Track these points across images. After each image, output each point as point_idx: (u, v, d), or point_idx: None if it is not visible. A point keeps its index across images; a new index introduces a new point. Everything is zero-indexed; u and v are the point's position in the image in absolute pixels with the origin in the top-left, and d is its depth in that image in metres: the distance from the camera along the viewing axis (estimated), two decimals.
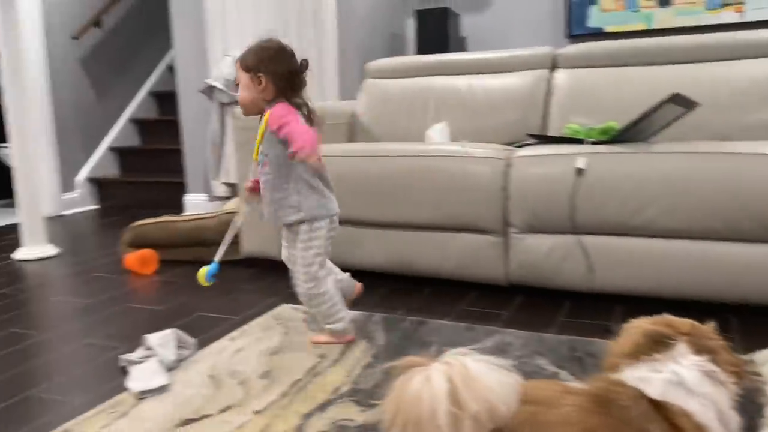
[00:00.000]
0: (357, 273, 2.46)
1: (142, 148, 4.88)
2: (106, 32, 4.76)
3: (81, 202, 4.60)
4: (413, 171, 2.30)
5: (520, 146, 2.38)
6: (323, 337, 1.82)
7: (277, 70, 1.65)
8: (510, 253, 2.22)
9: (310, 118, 1.71)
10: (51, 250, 3.14)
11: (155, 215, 3.62)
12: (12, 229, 3.80)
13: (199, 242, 2.82)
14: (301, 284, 1.76)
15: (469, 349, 0.84)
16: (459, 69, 2.98)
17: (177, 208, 4.24)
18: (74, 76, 4.51)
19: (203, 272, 1.77)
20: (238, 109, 2.62)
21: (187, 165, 4.18)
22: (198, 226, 2.81)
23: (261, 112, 1.72)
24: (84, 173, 4.64)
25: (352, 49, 3.59)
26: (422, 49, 3.87)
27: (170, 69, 5.20)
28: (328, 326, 1.79)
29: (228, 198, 3.85)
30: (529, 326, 1.93)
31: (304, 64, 1.71)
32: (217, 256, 1.82)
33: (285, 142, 1.64)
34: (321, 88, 3.69)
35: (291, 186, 1.72)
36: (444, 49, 3.77)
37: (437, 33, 3.89)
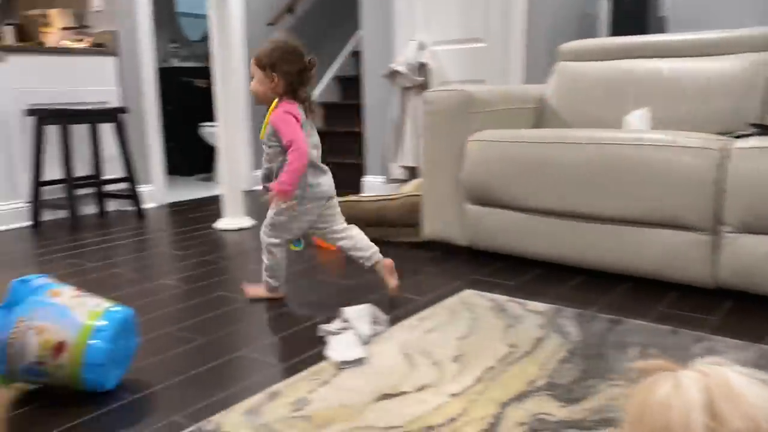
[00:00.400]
0: (544, 264, 2.40)
1: (325, 131, 5.10)
2: (297, 18, 5.03)
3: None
4: (610, 160, 2.16)
5: (737, 137, 2.14)
6: (257, 289, 2.12)
7: (288, 69, 1.88)
8: (720, 254, 2.01)
9: (310, 109, 1.96)
10: (247, 221, 3.39)
11: (338, 194, 3.77)
12: (213, 201, 4.16)
13: (382, 222, 2.89)
14: (262, 235, 2.07)
15: (724, 359, 0.76)
16: (662, 51, 2.76)
17: (355, 188, 4.39)
18: None
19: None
20: (427, 94, 2.63)
21: (367, 147, 4.30)
22: (381, 206, 2.88)
23: (270, 102, 1.95)
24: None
25: (541, 29, 3.45)
26: (616, 30, 3.64)
27: (354, 54, 5.38)
28: (265, 278, 2.09)
29: (405, 180, 3.91)
30: (741, 335, 1.74)
31: (312, 63, 1.92)
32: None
33: (279, 140, 1.90)
34: (505, 71, 3.61)
35: (276, 165, 1.96)
36: (641, 29, 3.51)
37: (634, 12, 3.63)
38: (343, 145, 4.94)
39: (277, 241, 2.05)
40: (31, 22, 4.18)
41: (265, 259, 2.08)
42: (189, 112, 5.25)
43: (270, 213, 2.04)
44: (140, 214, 3.69)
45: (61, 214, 3.57)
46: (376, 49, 4.10)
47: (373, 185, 4.26)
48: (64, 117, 3.34)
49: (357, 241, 2.11)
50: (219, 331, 1.87)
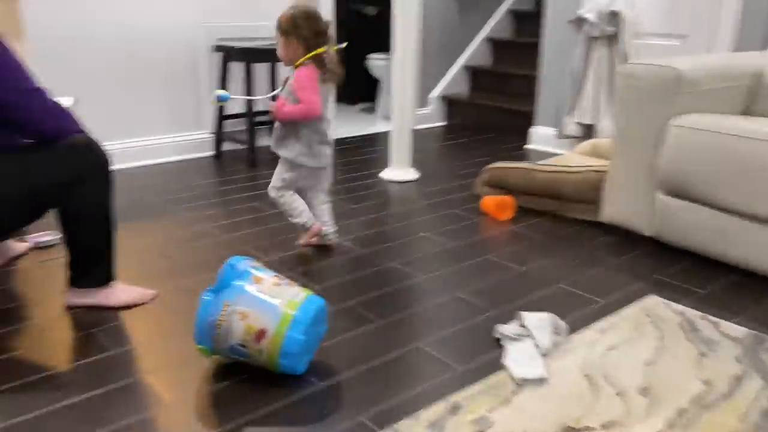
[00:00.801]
0: (738, 271, 2.16)
1: (493, 70, 4.90)
2: None
3: (431, 118, 4.86)
4: None
5: None
6: (304, 239, 2.37)
7: (305, 35, 2.09)
8: None
9: (327, 67, 2.14)
10: (413, 174, 3.38)
11: (504, 148, 3.65)
12: (377, 140, 4.18)
13: (557, 195, 2.76)
14: (270, 190, 2.33)
15: None
16: None
17: (522, 138, 4.22)
18: None
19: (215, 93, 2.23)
20: (629, 68, 2.40)
21: (539, 94, 4.09)
22: (558, 179, 2.74)
23: (294, 62, 2.16)
24: (437, 91, 4.86)
25: None
26: None
27: None
28: (296, 224, 2.33)
29: (579, 139, 3.69)
30: None
31: (326, 25, 2.13)
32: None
33: (297, 101, 2.14)
34: (712, 27, 3.21)
35: (288, 129, 2.21)
36: None
37: None
38: (512, 88, 4.73)
39: (279, 194, 2.31)
40: None
41: (281, 207, 2.34)
42: (355, 40, 5.21)
43: (276, 173, 2.31)
44: None
45: (240, 146, 3.76)
46: None
47: (542, 137, 4.07)
48: (248, 55, 3.45)
49: (324, 211, 2.38)
50: (395, 313, 1.91)
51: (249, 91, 3.48)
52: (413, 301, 2.00)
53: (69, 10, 3.16)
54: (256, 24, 3.77)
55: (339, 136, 4.34)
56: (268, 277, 1.59)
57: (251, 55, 3.45)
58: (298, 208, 2.31)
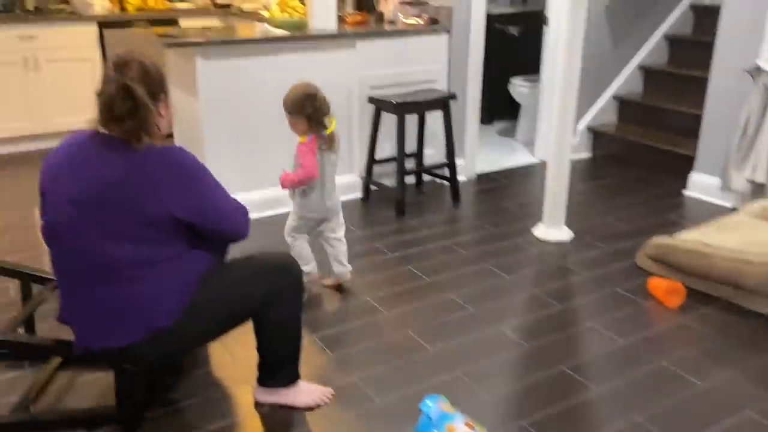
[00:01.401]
0: None
1: (644, 103, 4.63)
2: None
3: (575, 149, 4.68)
4: None
5: None
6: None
7: (307, 113, 2.41)
8: None
9: (330, 140, 2.48)
10: (567, 233, 3.28)
11: (653, 183, 3.44)
12: (522, 175, 4.06)
13: (734, 284, 2.58)
14: (285, 233, 2.65)
15: None
16: None
17: (677, 179, 3.99)
18: (596, 22, 4.41)
19: None
20: None
21: (702, 138, 3.82)
22: (738, 269, 2.55)
23: (301, 135, 2.48)
24: (584, 122, 4.67)
25: None
26: None
27: (693, 9, 4.69)
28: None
29: (749, 198, 3.43)
30: None
31: (322, 101, 2.46)
32: None
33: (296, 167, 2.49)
34: None
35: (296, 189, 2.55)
36: None
37: None
38: (665, 124, 4.46)
39: (291, 238, 2.62)
40: None
41: (292, 252, 2.59)
42: (496, 60, 5.09)
43: (288, 221, 2.63)
44: (455, 195, 3.78)
45: (387, 185, 3.80)
46: (738, 24, 3.50)
47: (704, 186, 3.82)
48: (399, 108, 3.46)
49: (338, 252, 2.67)
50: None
51: (401, 138, 3.50)
52: (589, 425, 1.95)
53: (231, 76, 3.30)
54: (409, 69, 3.78)
55: (480, 171, 4.29)
56: (459, 425, 1.60)
57: (402, 109, 3.46)
58: (304, 257, 2.62)
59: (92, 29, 4.71)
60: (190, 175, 1.67)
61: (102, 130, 1.66)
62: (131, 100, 1.61)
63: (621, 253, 3.10)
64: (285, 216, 2.69)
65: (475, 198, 3.87)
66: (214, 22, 5.21)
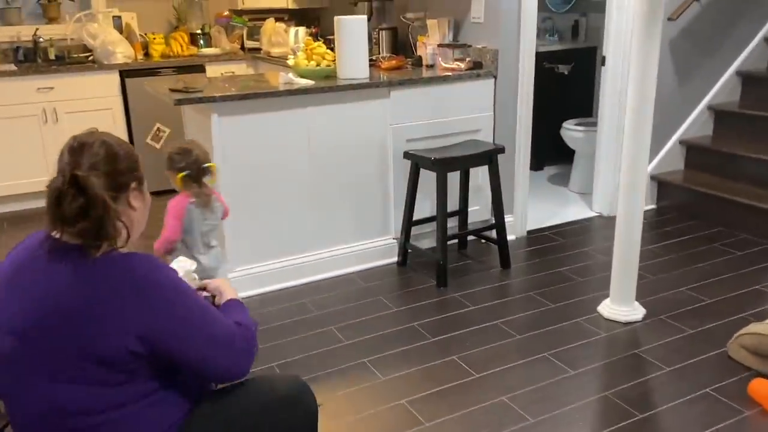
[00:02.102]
0: None
1: (713, 148, 4.11)
2: (702, 7, 3.99)
3: None
4: None
5: None
6: None
7: (178, 168, 2.27)
8: None
9: (205, 198, 2.31)
10: (638, 311, 2.79)
11: (733, 245, 2.92)
12: (575, 234, 3.58)
13: None
14: None
15: None
16: None
17: (761, 239, 3.45)
18: (660, 58, 3.93)
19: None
20: None
21: None
22: None
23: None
24: (648, 168, 4.16)
25: None
26: None
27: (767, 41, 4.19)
28: None
29: None
30: None
31: (196, 159, 2.28)
32: None
33: None
34: None
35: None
36: None
37: None
38: (740, 173, 3.92)
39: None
40: (405, 26, 3.95)
41: None
42: (544, 101, 4.64)
43: None
44: (505, 260, 3.32)
45: (427, 249, 3.37)
46: None
47: None
48: (441, 164, 3.05)
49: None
50: None
51: (441, 198, 3.08)
52: None
53: (249, 133, 2.95)
54: (450, 119, 3.37)
55: (531, 227, 3.83)
56: None
57: (442, 166, 3.05)
58: None
59: (114, 78, 4.47)
60: (163, 295, 1.25)
61: (55, 233, 1.28)
62: (83, 195, 1.23)
63: (706, 337, 2.59)
64: (310, 286, 2.29)
65: (527, 262, 3.40)
66: (241, 68, 4.92)
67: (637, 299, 2.81)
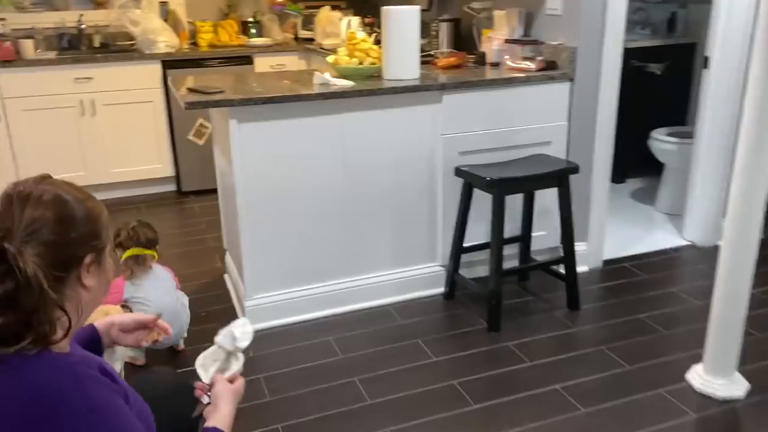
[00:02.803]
0: None
1: None
2: None
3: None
4: None
5: None
6: None
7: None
8: None
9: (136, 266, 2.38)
10: (740, 386, 2.20)
11: None
12: (660, 268, 2.96)
13: None
14: None
15: None
16: None
17: None
18: None
19: None
20: None
21: None
22: None
23: None
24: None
25: None
26: None
27: None
28: None
29: None
30: None
31: (130, 233, 2.42)
32: None
33: None
34: None
35: None
36: None
37: None
38: None
39: None
40: (469, 18, 3.44)
41: None
42: (631, 105, 4.00)
43: None
44: (573, 300, 2.78)
45: (478, 281, 2.88)
46: None
47: None
48: (498, 186, 2.54)
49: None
50: None
51: (497, 226, 2.57)
52: None
53: (275, 141, 2.53)
54: (513, 129, 2.85)
55: (608, 255, 3.24)
56: None
57: (500, 188, 2.53)
58: None
59: (155, 69, 4.17)
60: (92, 423, 0.86)
61: None
62: (10, 277, 0.84)
63: None
64: (339, 319, 1.86)
65: (601, 303, 2.85)
66: (292, 60, 4.52)
67: (739, 366, 2.23)
